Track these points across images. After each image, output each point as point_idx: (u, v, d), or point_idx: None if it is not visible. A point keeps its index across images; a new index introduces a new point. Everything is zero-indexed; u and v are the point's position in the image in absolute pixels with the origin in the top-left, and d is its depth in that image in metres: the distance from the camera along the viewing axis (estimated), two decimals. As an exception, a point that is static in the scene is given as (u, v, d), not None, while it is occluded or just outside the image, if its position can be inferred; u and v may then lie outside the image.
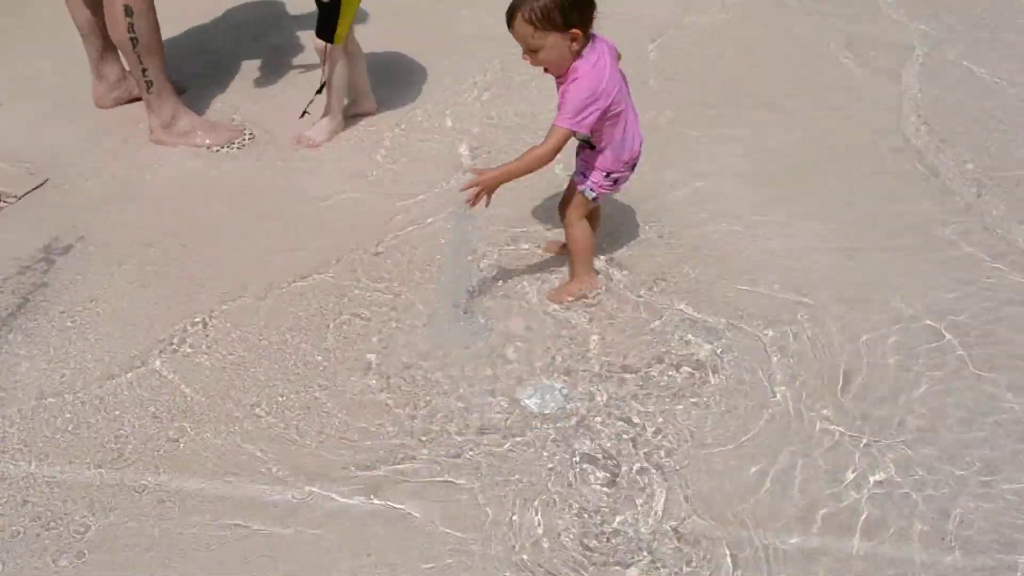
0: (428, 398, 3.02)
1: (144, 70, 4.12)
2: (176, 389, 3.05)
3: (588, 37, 2.92)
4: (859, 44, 5.06)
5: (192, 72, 4.73)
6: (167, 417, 2.96)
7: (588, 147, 3.17)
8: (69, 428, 2.93)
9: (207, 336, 3.25)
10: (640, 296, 3.36)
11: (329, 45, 4.05)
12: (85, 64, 4.49)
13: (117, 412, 2.97)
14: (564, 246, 3.48)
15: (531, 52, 2.89)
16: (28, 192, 3.97)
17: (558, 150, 2.94)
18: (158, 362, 3.15)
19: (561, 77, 2.97)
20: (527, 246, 3.62)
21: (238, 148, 4.23)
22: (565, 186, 3.37)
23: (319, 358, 3.17)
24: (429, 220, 3.75)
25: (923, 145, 4.20)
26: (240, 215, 3.83)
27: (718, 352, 3.16)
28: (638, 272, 3.49)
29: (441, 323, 3.28)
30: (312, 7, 4.03)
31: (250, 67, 4.86)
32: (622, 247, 3.59)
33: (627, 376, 3.08)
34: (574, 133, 2.97)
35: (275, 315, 3.33)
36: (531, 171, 2.99)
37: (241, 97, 4.62)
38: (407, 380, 3.08)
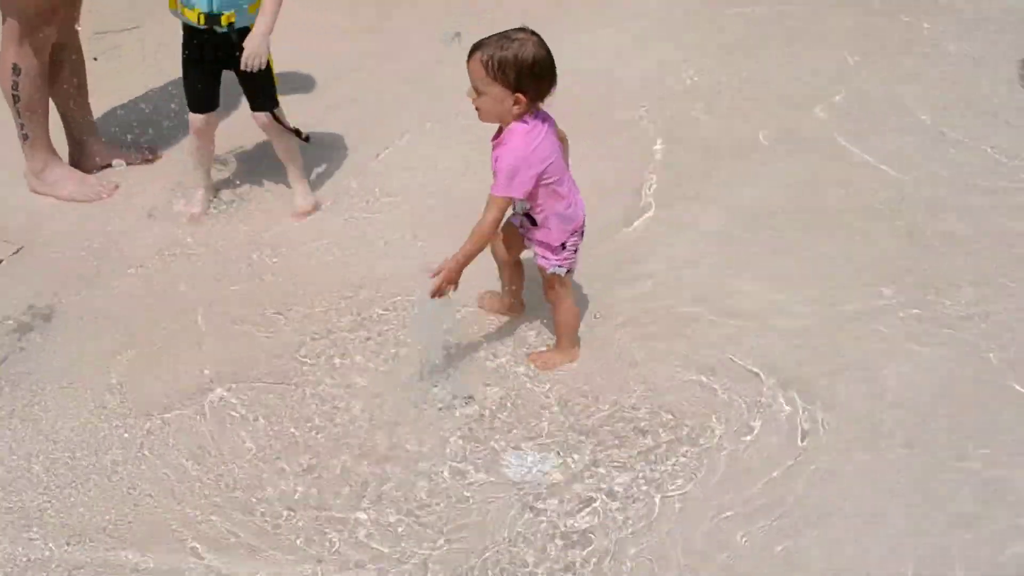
0: (394, 466, 3.00)
1: (22, 124, 4.18)
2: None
3: (533, 106, 2.95)
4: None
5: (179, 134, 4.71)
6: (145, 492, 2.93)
7: (531, 223, 3.15)
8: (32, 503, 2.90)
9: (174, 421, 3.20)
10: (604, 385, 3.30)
11: (274, 113, 3.99)
12: (60, 126, 4.48)
13: (85, 489, 2.95)
14: (507, 303, 3.53)
15: (476, 92, 2.93)
16: (2, 260, 3.94)
17: (499, 219, 3.00)
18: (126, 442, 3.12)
19: (496, 139, 3.02)
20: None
21: (217, 211, 4.20)
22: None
23: (293, 430, 3.14)
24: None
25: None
26: (216, 286, 3.78)
27: (697, 421, 3.14)
28: (615, 336, 3.48)
29: (415, 387, 3.27)
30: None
31: (238, 132, 4.81)
32: (602, 308, 3.58)
33: (600, 444, 3.06)
34: (512, 201, 3.01)
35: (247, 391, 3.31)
36: (483, 246, 3.04)
37: (230, 161, 4.56)
38: (377, 445, 3.08)
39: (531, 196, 3.02)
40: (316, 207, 4.18)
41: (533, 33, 2.91)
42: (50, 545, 2.77)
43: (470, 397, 3.23)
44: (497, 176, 2.97)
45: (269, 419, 3.17)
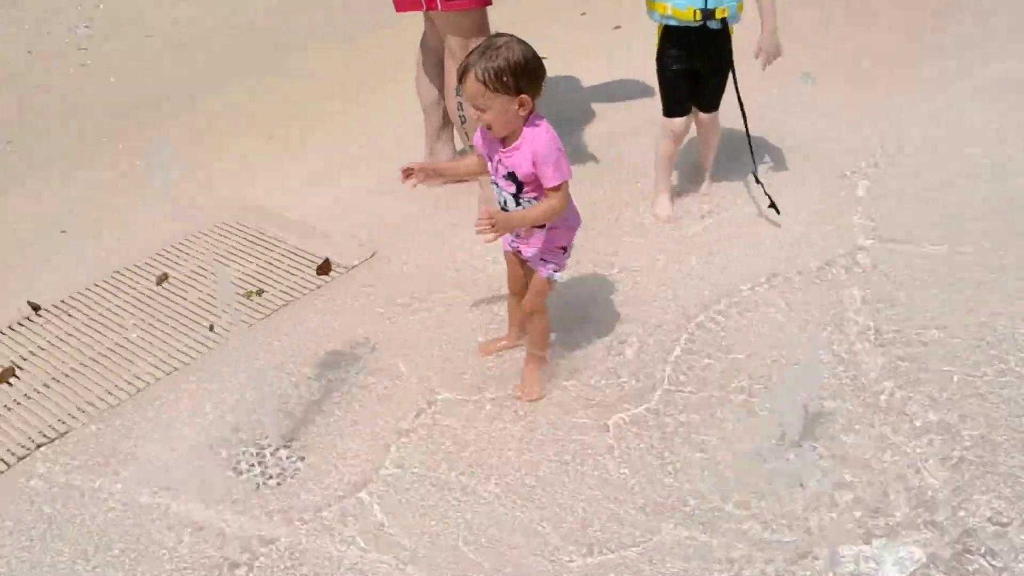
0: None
1: (471, 146, 4.16)
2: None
3: (534, 106, 2.92)
4: None
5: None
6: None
7: (538, 225, 3.08)
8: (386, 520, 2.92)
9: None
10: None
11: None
12: (419, 141, 4.61)
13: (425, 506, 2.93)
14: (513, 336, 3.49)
15: (479, 110, 2.88)
16: (357, 264, 4.08)
17: (567, 200, 3.00)
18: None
19: (509, 148, 2.94)
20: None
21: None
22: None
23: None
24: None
25: None
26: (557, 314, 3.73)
27: None
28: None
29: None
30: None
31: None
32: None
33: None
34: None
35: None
36: (545, 221, 3.02)
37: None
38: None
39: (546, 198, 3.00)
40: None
41: (511, 36, 2.90)
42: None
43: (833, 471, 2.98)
44: (547, 169, 2.91)
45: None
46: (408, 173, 3.10)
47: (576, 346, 3.52)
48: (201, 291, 3.96)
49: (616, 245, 4.08)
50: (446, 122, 4.53)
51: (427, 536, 2.85)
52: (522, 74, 2.84)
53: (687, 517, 2.86)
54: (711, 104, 4.06)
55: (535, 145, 2.90)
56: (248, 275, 4.05)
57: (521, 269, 3.30)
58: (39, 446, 3.24)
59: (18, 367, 3.60)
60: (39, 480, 3.12)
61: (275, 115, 5.42)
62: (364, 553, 2.81)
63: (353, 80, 5.77)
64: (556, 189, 2.94)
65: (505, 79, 2.82)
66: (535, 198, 3.00)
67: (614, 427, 3.18)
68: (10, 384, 3.54)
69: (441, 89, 4.40)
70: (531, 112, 2.92)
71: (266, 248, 4.23)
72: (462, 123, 4.18)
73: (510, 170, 2.96)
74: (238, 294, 3.90)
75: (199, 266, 4.12)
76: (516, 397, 3.31)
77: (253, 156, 5.00)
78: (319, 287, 3.96)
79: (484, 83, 2.82)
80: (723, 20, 3.76)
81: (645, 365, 3.42)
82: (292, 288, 3.96)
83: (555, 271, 3.18)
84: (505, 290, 3.50)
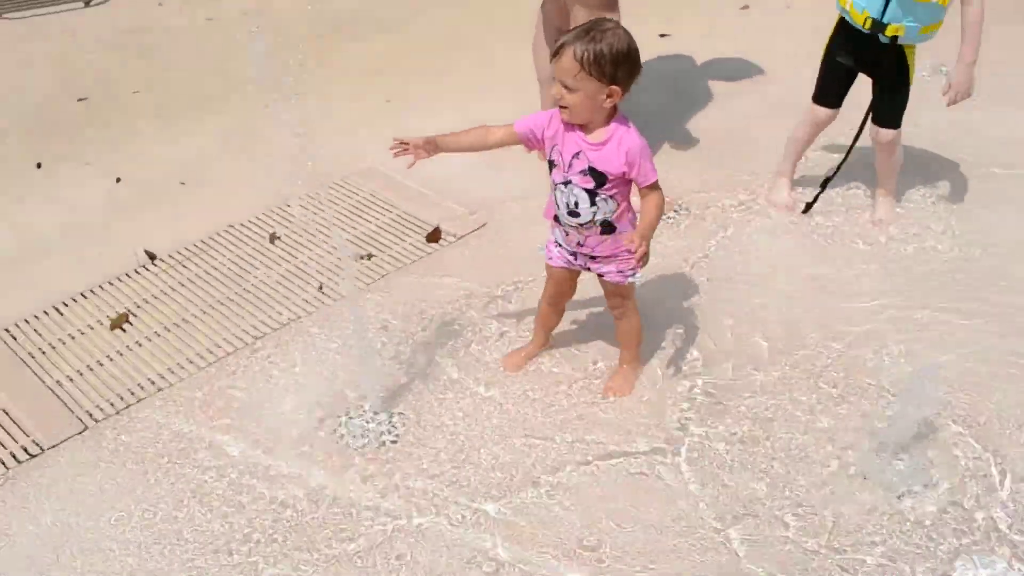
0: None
1: None
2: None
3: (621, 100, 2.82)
4: None
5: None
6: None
7: (607, 230, 2.97)
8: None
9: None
10: None
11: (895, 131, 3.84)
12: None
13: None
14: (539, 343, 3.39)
15: (565, 89, 2.77)
16: (467, 234, 4.06)
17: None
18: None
19: (591, 138, 2.84)
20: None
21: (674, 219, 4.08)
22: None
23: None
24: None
25: None
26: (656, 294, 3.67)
27: None
28: None
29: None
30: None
31: (692, 136, 4.74)
32: None
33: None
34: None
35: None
36: (660, 219, 2.94)
37: (679, 162, 4.46)
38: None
39: (622, 196, 2.93)
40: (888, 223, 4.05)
41: (617, 22, 2.80)
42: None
43: (930, 485, 2.89)
44: (643, 167, 2.84)
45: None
46: (403, 148, 2.94)
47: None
48: (311, 251, 3.99)
49: (724, 231, 4.02)
50: (565, 96, 4.46)
51: (534, 508, 2.84)
52: (621, 64, 2.75)
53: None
54: (884, 118, 3.84)
55: (627, 144, 2.83)
56: (358, 238, 4.06)
57: (570, 285, 3.25)
58: (148, 393, 3.31)
59: (132, 314, 3.68)
60: (145, 426, 3.18)
61: (394, 78, 5.42)
62: (463, 527, 2.79)
63: (475, 44, 5.74)
64: (653, 187, 2.88)
65: (603, 64, 2.73)
66: (611, 196, 2.91)
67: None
68: (123, 330, 3.62)
69: None
70: (615, 107, 2.83)
71: (377, 212, 4.23)
72: None
73: (593, 165, 2.86)
74: (347, 256, 3.92)
75: (310, 226, 4.15)
76: (605, 393, 3.25)
77: (369, 118, 5.00)
78: (428, 254, 3.95)
79: (580, 63, 2.73)
80: (894, 38, 3.55)
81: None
82: (401, 254, 3.95)
83: (635, 274, 3.11)
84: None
